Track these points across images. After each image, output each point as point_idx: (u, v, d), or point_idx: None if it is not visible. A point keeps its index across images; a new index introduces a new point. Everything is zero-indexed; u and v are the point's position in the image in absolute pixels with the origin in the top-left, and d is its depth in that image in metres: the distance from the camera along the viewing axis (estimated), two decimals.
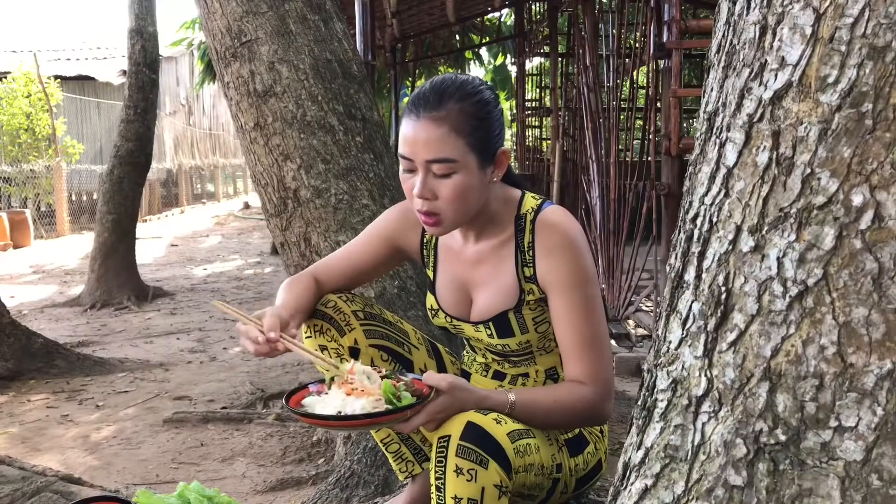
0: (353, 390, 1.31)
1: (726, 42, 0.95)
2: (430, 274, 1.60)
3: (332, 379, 1.37)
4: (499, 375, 1.57)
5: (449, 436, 1.25)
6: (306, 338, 1.55)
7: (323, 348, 1.53)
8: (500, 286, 1.48)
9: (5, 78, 11.79)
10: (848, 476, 0.81)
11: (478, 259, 1.51)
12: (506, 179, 1.51)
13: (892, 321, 0.79)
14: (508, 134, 19.90)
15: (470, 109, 1.37)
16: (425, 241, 1.60)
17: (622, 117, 5.81)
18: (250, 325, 1.42)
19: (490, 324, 1.49)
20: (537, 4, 9.38)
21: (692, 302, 0.94)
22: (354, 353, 1.52)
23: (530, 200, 1.49)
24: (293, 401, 1.36)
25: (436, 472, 1.25)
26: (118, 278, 6.29)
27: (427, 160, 1.36)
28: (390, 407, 1.26)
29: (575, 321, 1.41)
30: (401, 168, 1.43)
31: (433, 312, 1.61)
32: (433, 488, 1.26)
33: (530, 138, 10.08)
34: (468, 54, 12.01)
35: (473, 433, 1.24)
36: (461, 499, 1.22)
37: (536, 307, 1.46)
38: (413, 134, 1.37)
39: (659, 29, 4.31)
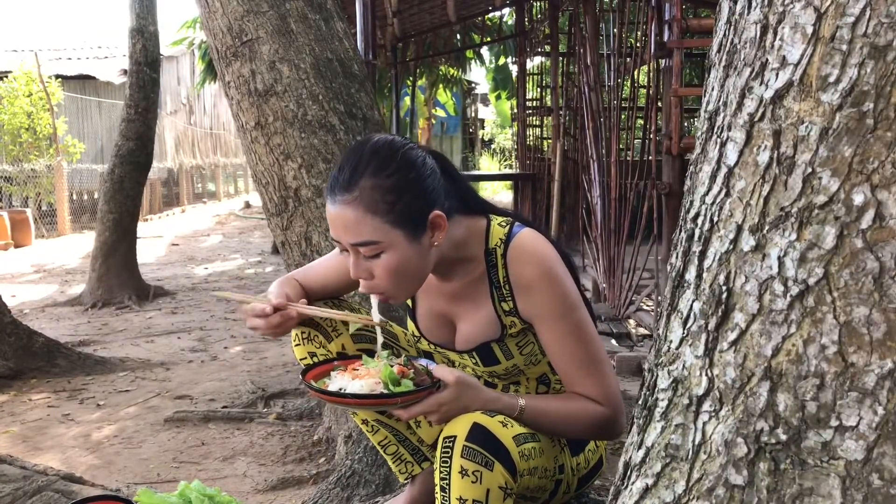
0: (356, 371, 1.35)
1: (727, 41, 0.95)
2: (409, 302, 1.57)
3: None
4: (490, 385, 1.55)
5: (454, 436, 1.24)
6: (295, 346, 1.55)
7: (311, 355, 1.53)
8: (480, 320, 1.44)
9: (6, 77, 11.78)
10: (849, 475, 0.81)
11: (455, 295, 1.47)
12: (467, 207, 1.43)
13: (893, 320, 0.79)
14: (509, 133, 19.86)
15: (385, 184, 1.28)
16: None
17: (623, 116, 5.80)
18: (255, 303, 1.41)
19: (474, 353, 1.47)
20: (538, 4, 9.37)
21: (693, 301, 0.94)
22: (343, 358, 1.52)
23: (497, 230, 1.41)
24: (316, 371, 1.41)
25: (440, 472, 1.25)
26: (119, 277, 6.29)
27: (351, 244, 1.30)
28: (385, 391, 1.27)
29: (568, 349, 1.38)
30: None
31: (416, 338, 1.58)
32: (437, 489, 1.26)
33: (531, 138, 10.07)
34: (469, 54, 12.00)
35: (479, 435, 1.24)
36: (466, 500, 1.22)
37: (519, 335, 1.43)
38: (332, 218, 1.31)
39: (660, 28, 4.31)
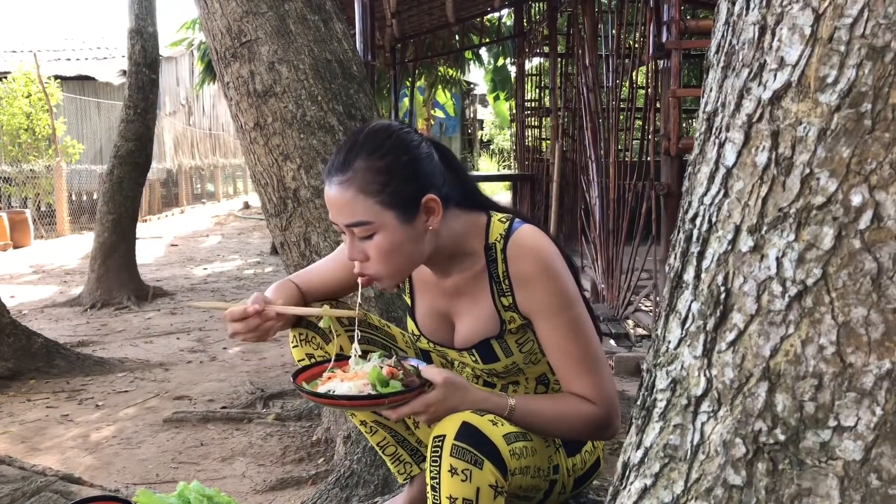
0: (345, 373, 1.37)
1: (725, 42, 0.95)
2: (408, 300, 1.57)
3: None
4: (489, 385, 1.55)
5: (444, 436, 1.25)
6: (293, 347, 1.55)
7: (309, 356, 1.53)
8: (480, 316, 1.44)
9: (5, 78, 11.77)
10: (847, 476, 0.81)
11: (455, 291, 1.47)
12: (468, 201, 1.44)
13: (891, 321, 0.79)
14: (508, 134, 19.89)
15: (378, 165, 1.31)
16: None
17: (621, 117, 5.81)
18: (232, 308, 1.42)
19: (474, 351, 1.46)
20: (537, 5, 9.37)
21: (691, 302, 0.94)
22: (338, 360, 1.52)
23: (497, 226, 1.42)
24: (309, 372, 1.43)
25: (431, 471, 1.25)
26: (118, 278, 6.29)
27: (345, 225, 1.33)
28: (372, 392, 1.28)
29: (565, 346, 1.37)
30: None
31: (415, 337, 1.58)
32: (428, 488, 1.26)
33: (530, 138, 10.08)
34: (468, 54, 12.01)
35: (468, 433, 1.24)
36: (456, 499, 1.22)
37: (518, 331, 1.43)
38: (328, 199, 1.34)
39: (658, 29, 4.32)
